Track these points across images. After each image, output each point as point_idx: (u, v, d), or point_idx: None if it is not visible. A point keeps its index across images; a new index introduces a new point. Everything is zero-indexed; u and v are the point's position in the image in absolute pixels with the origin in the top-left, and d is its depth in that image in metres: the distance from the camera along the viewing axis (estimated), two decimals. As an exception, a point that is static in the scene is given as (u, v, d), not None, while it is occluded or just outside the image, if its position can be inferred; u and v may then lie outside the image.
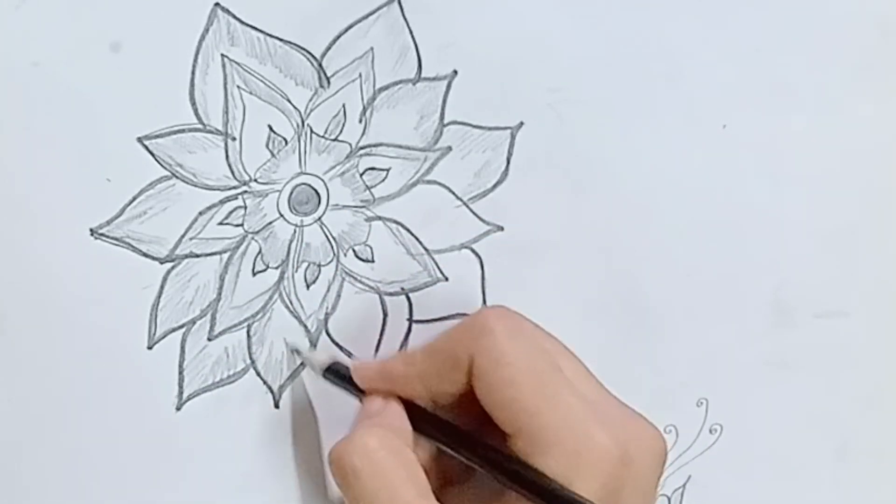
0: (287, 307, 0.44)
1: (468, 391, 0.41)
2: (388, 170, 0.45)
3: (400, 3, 0.43)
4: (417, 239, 0.46)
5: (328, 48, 0.43)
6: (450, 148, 0.45)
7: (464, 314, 0.46)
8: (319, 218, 0.44)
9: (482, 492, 0.42)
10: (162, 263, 0.42)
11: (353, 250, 0.45)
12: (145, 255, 0.41)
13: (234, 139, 0.42)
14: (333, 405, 0.44)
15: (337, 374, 0.44)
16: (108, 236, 0.41)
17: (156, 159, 0.41)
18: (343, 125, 0.44)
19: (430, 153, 0.45)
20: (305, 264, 0.44)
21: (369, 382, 0.43)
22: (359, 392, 0.43)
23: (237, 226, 0.43)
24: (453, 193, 0.46)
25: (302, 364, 0.44)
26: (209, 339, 0.43)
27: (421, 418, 0.42)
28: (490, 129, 0.46)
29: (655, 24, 0.47)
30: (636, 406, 0.41)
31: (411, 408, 0.42)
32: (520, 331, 0.41)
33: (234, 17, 0.41)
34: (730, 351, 0.51)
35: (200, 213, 0.42)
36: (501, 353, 0.40)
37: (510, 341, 0.40)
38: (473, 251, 0.46)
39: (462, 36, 0.44)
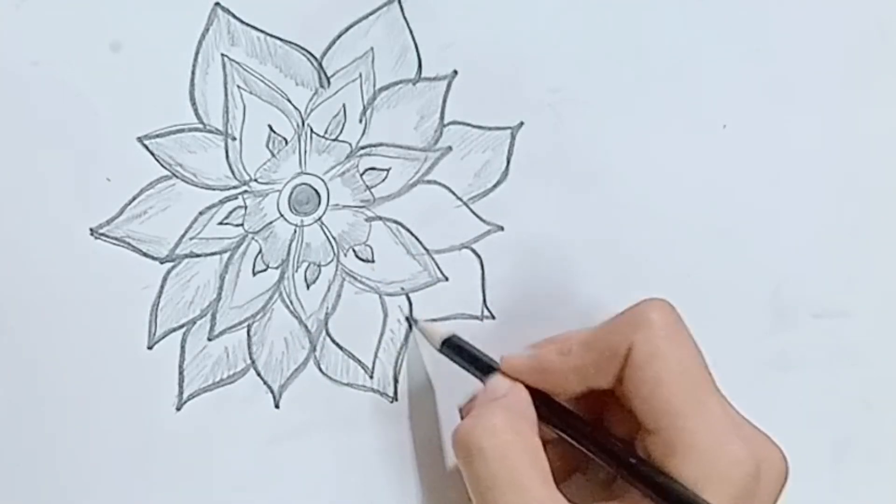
0: (287, 307, 0.44)
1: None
2: (388, 170, 0.45)
3: (400, 3, 0.43)
4: (417, 239, 0.46)
5: (328, 48, 0.43)
6: (450, 148, 0.45)
7: (464, 314, 0.46)
8: (319, 218, 0.44)
9: (602, 482, 0.41)
10: (162, 263, 0.42)
11: (354, 250, 0.45)
12: (145, 255, 0.41)
13: (234, 139, 0.42)
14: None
15: (456, 348, 0.43)
16: (108, 236, 0.41)
17: (156, 159, 0.41)
18: (343, 125, 0.44)
19: (430, 153, 0.45)
20: (305, 264, 0.44)
21: (520, 374, 0.42)
22: (478, 371, 0.42)
23: (237, 226, 0.43)
24: (453, 193, 0.46)
25: (303, 365, 0.44)
26: (209, 339, 0.43)
27: (547, 406, 0.41)
28: (490, 129, 0.46)
29: (655, 24, 0.47)
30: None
31: (536, 395, 0.41)
32: (677, 327, 0.40)
33: (234, 16, 0.41)
34: (730, 351, 0.51)
35: (200, 213, 0.42)
36: (657, 347, 0.39)
37: (666, 337, 0.40)
38: (473, 251, 0.46)
39: (462, 36, 0.44)
